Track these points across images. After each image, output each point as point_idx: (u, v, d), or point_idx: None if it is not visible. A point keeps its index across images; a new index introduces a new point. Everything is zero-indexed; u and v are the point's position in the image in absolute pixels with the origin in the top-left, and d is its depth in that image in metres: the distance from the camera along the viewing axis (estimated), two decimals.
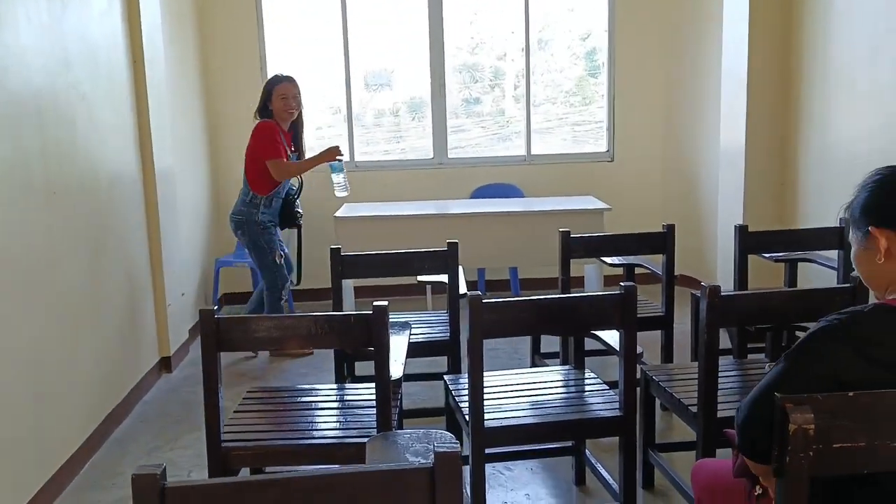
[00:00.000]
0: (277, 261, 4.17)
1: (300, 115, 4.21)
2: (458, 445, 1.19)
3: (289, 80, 4.13)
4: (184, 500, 1.17)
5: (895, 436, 1.33)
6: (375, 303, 2.11)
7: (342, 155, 4.23)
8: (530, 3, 5.49)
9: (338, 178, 4.23)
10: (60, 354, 2.97)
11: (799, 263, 3.55)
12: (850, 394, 1.32)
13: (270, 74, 5.39)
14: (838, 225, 3.09)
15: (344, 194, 4.29)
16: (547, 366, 3.34)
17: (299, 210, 4.32)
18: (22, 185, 2.73)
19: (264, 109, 4.13)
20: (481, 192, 5.45)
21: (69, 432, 3.04)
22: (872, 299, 1.54)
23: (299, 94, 4.16)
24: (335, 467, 1.20)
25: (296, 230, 4.44)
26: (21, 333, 2.68)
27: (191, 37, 5.05)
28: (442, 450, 1.18)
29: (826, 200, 3.99)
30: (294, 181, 4.33)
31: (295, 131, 4.25)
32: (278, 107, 4.09)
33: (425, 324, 3.35)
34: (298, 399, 2.55)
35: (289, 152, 4.16)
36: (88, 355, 3.23)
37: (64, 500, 2.86)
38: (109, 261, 3.51)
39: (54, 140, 2.99)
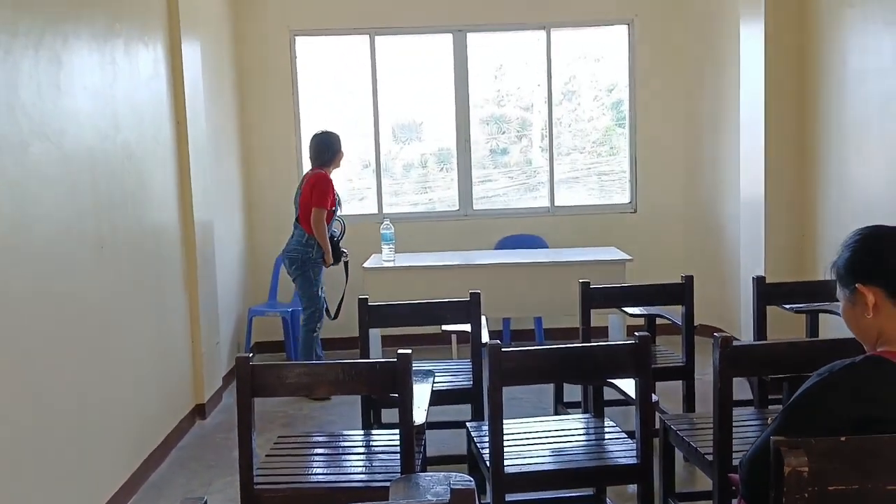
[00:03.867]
0: (320, 293, 4.64)
1: None
2: (473, 483, 1.30)
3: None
4: None
5: (887, 478, 1.40)
6: (399, 351, 2.23)
7: (328, 265, 4.70)
8: (554, 57, 5.69)
9: (387, 248, 4.68)
10: (102, 400, 3.12)
11: (820, 314, 3.61)
12: (843, 438, 1.40)
13: (305, 131, 5.67)
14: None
15: (390, 262, 4.67)
16: (569, 414, 3.41)
17: (344, 249, 4.78)
18: (77, 240, 2.94)
19: (333, 161, 4.68)
20: (506, 243, 5.58)
21: (109, 475, 3.17)
22: None
23: None
24: None
25: (343, 267, 4.86)
26: (68, 377, 2.84)
27: (230, 97, 5.32)
28: (457, 486, 1.28)
29: None
30: (337, 226, 4.79)
31: None
32: (339, 160, 4.73)
33: (449, 372, 3.45)
34: (327, 444, 2.66)
35: (337, 204, 4.71)
36: (128, 401, 3.38)
37: None
38: (150, 310, 3.69)
39: (105, 197, 3.20)
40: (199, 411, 4.26)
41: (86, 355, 2.99)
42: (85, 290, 3.00)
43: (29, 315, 2.59)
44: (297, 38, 5.63)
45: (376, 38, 5.63)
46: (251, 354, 2.32)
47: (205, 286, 4.34)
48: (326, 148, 4.67)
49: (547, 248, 5.47)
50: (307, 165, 5.70)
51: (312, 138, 4.76)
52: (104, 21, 3.29)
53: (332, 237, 4.66)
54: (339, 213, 4.77)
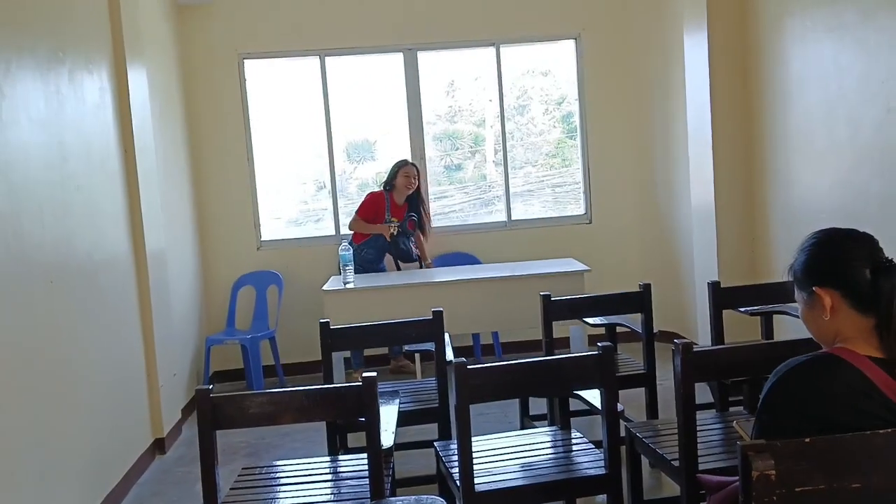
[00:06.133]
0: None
1: (418, 189, 5.38)
2: None
3: (412, 165, 5.36)
4: None
5: (852, 478, 1.43)
6: (364, 374, 2.21)
7: (391, 235, 5.19)
8: (504, 72, 5.75)
9: (346, 270, 4.60)
10: (59, 438, 3.02)
11: (774, 315, 3.69)
12: (808, 440, 1.43)
13: (256, 156, 5.62)
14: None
15: (350, 284, 4.58)
16: (536, 428, 3.41)
17: (403, 248, 5.27)
18: (23, 275, 2.83)
19: (389, 182, 5.30)
20: (441, 261, 5.57)
21: None
22: None
23: (418, 175, 5.36)
24: None
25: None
26: (21, 416, 2.73)
27: (179, 123, 5.24)
28: None
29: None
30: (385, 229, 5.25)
31: (412, 202, 5.36)
32: (401, 182, 5.27)
33: (415, 392, 3.43)
34: (292, 474, 2.60)
35: (388, 217, 5.25)
36: (84, 438, 3.27)
37: None
38: (104, 344, 3.58)
39: (53, 230, 3.11)
40: (159, 446, 4.14)
41: (38, 393, 2.88)
42: (35, 327, 2.90)
43: None
44: (245, 61, 5.58)
45: (326, 59, 5.61)
46: (210, 386, 2.26)
47: (160, 317, 4.24)
48: (389, 172, 5.36)
49: (480, 263, 5.52)
50: (261, 190, 5.67)
51: None
52: (47, 49, 3.21)
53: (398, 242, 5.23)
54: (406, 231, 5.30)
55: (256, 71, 5.65)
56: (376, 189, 5.46)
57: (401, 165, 5.32)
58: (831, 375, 1.51)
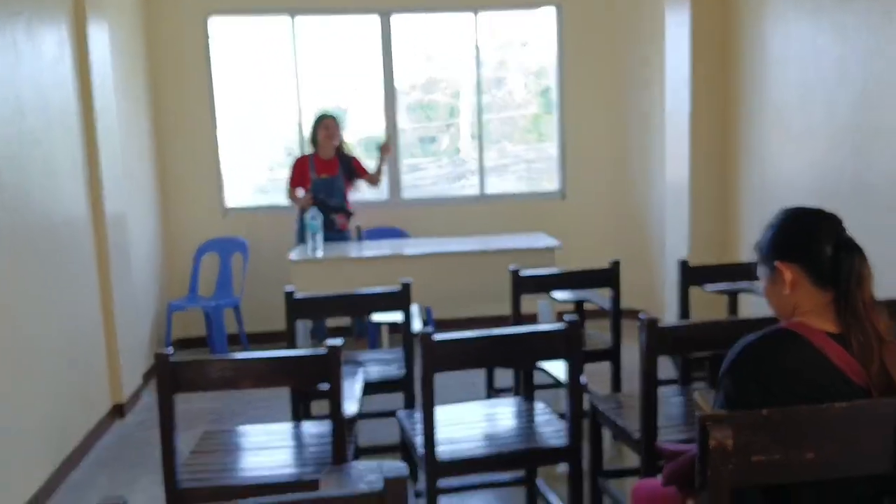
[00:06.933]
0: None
1: (342, 145, 5.13)
2: (407, 470, 1.27)
3: (329, 117, 5.10)
4: None
5: (806, 449, 1.45)
6: (329, 342, 2.18)
7: (308, 210, 4.71)
8: (482, 42, 5.67)
9: (313, 239, 4.51)
10: (13, 401, 2.95)
11: (740, 294, 3.73)
12: (764, 412, 1.44)
13: (220, 118, 5.50)
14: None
15: (317, 254, 4.50)
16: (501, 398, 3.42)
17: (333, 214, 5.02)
18: None
19: (313, 140, 5.11)
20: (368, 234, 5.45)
21: (24, 479, 3.01)
22: None
23: (337, 127, 5.09)
24: (289, 496, 1.26)
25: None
26: None
27: (141, 81, 5.10)
28: (391, 475, 1.26)
29: None
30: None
31: (342, 158, 5.12)
32: (322, 136, 5.06)
33: (381, 362, 3.41)
34: (255, 438, 2.58)
35: (316, 178, 5.04)
36: (41, 402, 3.21)
37: None
38: (60, 307, 3.50)
39: (9, 186, 3.01)
40: (119, 411, 4.09)
41: None
42: None
43: None
44: (212, 17, 5.41)
45: (297, 18, 5.48)
46: (171, 349, 2.22)
47: (119, 280, 4.16)
48: (311, 130, 5.12)
49: (409, 237, 5.46)
50: (227, 155, 5.56)
51: None
52: (3, 2, 3.08)
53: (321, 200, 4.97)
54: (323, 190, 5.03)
55: (224, 30, 5.49)
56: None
57: (319, 120, 5.09)
58: (785, 350, 1.54)
